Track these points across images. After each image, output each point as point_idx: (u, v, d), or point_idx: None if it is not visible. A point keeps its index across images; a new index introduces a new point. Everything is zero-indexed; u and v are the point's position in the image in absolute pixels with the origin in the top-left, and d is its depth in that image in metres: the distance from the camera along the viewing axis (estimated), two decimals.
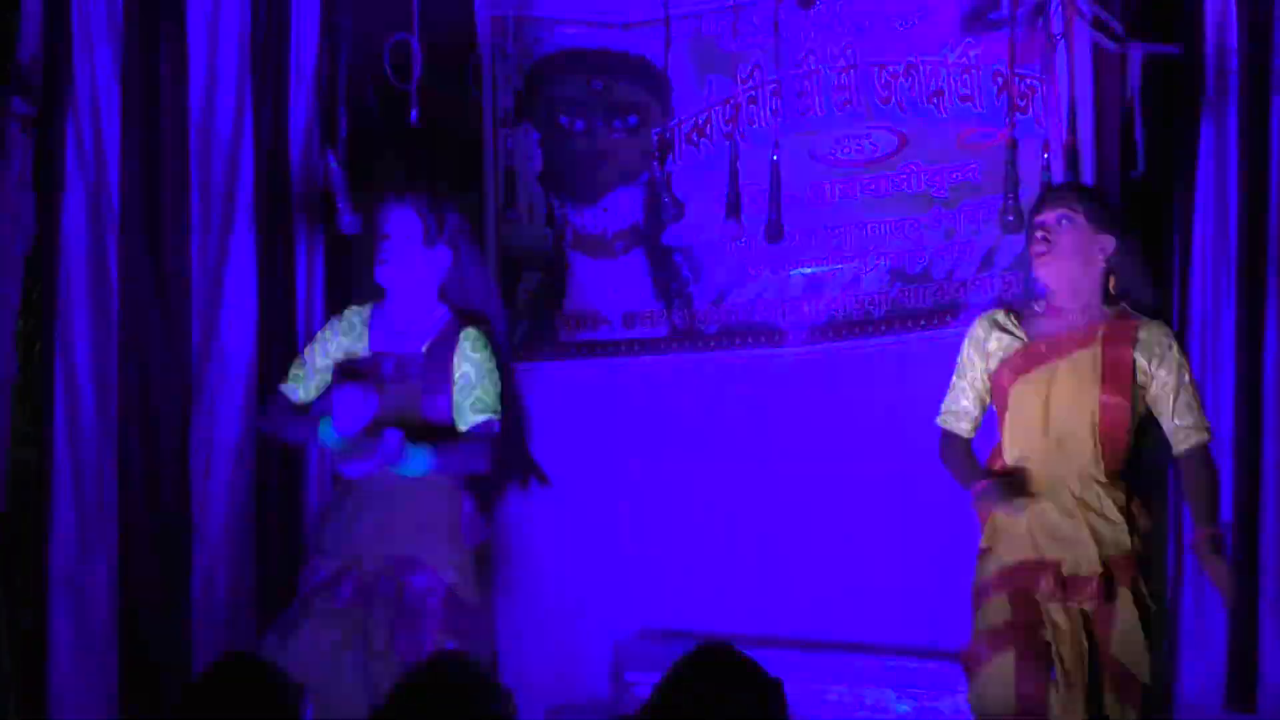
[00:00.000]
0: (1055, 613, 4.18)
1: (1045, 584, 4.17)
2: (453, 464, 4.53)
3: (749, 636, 5.28)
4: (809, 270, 5.25)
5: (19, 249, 5.37)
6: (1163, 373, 4.24)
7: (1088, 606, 4.17)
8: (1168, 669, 4.87)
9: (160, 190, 5.42)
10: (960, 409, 4.41)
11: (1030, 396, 4.26)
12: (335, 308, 4.91)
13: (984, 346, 4.37)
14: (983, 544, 4.34)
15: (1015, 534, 4.24)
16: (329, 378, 4.64)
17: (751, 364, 5.36)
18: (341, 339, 4.68)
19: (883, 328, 5.16)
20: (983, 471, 4.33)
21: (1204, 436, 4.28)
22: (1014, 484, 4.22)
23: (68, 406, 5.35)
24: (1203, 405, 4.31)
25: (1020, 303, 4.51)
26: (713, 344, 5.38)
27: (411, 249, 4.57)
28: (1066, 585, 4.17)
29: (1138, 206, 5.02)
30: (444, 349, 4.58)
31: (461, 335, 4.58)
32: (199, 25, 5.44)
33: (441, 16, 5.16)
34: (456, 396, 4.55)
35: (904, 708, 4.96)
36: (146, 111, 5.41)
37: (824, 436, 5.30)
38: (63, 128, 5.36)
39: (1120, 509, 4.21)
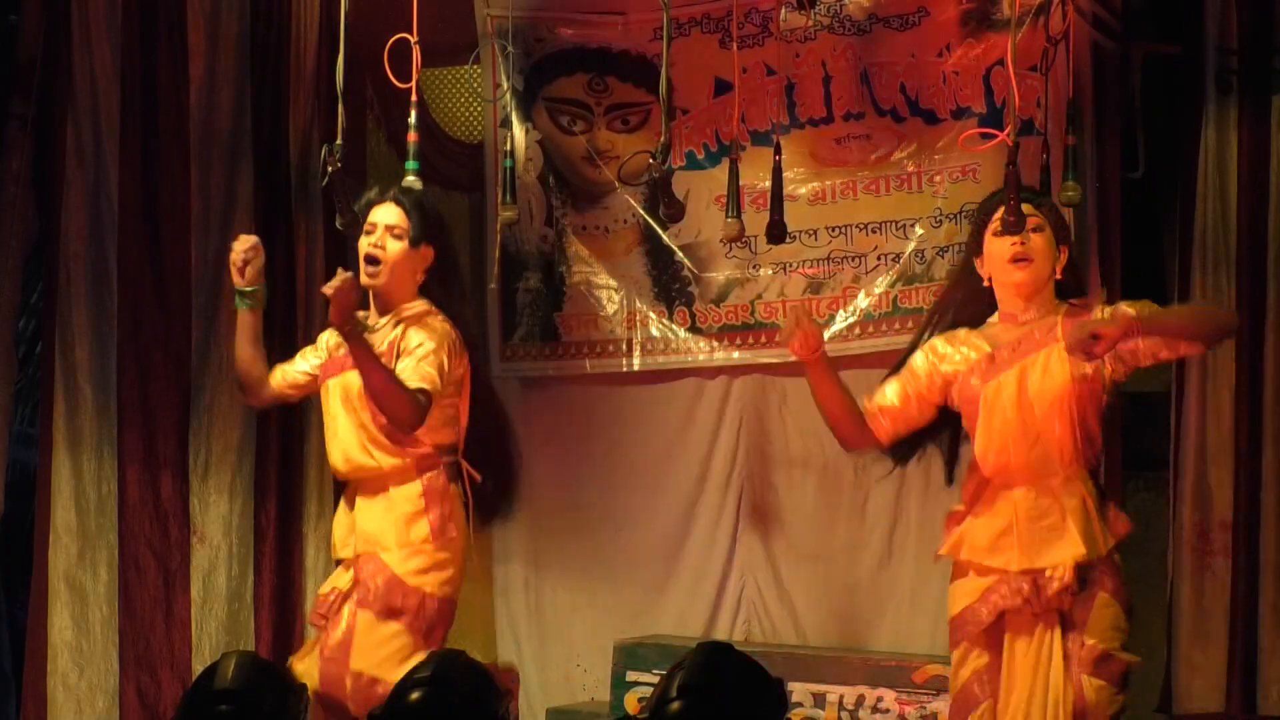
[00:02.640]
0: (1019, 640, 4.16)
1: (1015, 599, 4.14)
2: (373, 378, 4.37)
3: (748, 638, 5.31)
4: (809, 270, 5.25)
5: (19, 249, 5.38)
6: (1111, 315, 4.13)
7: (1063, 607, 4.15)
8: (1168, 669, 4.88)
9: (160, 190, 5.42)
10: (883, 390, 4.36)
11: (1003, 396, 4.20)
12: None
13: (938, 350, 4.31)
14: (946, 551, 4.28)
15: (993, 533, 4.20)
16: (302, 380, 4.69)
17: (752, 364, 5.36)
18: (326, 345, 4.67)
19: (883, 327, 5.16)
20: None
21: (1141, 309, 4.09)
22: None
23: (68, 406, 5.35)
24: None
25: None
26: (713, 344, 5.37)
27: (396, 246, 4.54)
28: (1040, 594, 4.13)
29: (1138, 206, 5.02)
30: (395, 333, 4.50)
31: (411, 321, 4.50)
32: (199, 25, 5.44)
33: (441, 16, 5.16)
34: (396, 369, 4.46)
35: (904, 709, 4.95)
36: (146, 111, 5.41)
37: (825, 437, 5.29)
38: (63, 128, 5.36)
39: (1098, 508, 4.18)
